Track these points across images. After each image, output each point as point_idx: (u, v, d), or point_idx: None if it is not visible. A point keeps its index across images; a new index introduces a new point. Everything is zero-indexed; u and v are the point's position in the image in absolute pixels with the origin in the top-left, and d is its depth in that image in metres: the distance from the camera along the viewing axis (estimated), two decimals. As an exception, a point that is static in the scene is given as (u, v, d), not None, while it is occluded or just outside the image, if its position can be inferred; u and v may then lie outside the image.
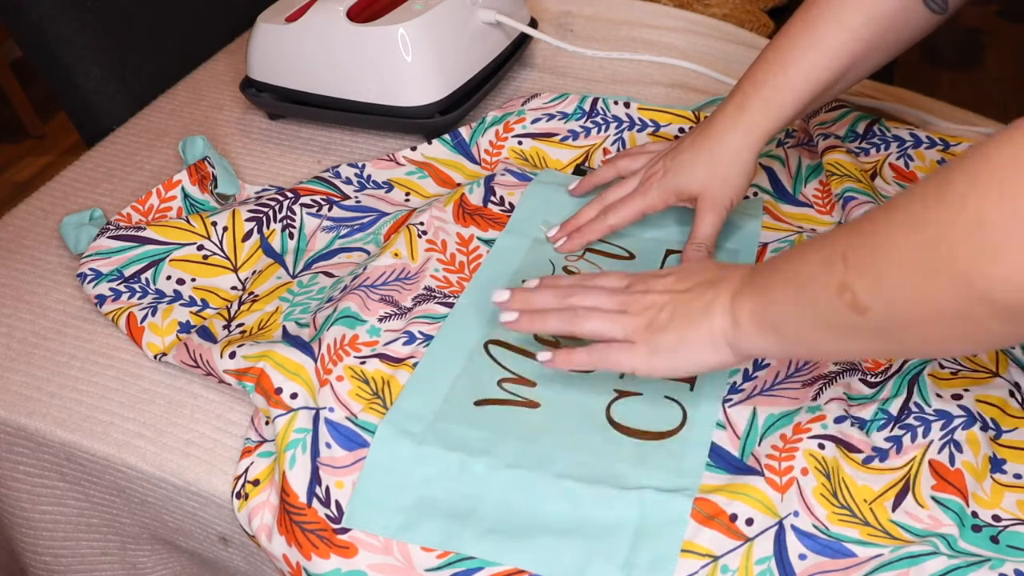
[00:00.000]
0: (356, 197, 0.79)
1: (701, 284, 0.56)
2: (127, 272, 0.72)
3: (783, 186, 0.78)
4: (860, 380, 0.60)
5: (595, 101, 0.86)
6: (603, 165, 0.76)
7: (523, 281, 0.64)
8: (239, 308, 0.70)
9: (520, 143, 0.84)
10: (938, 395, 0.58)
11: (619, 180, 0.73)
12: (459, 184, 0.81)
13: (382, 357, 0.64)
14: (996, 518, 0.53)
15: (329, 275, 0.72)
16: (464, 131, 0.85)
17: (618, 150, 0.83)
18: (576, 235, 0.72)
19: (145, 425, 0.65)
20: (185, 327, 0.69)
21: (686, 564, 0.52)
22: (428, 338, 0.65)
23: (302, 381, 0.61)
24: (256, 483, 0.59)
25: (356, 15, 0.84)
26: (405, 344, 0.65)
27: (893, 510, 0.54)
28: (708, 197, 0.68)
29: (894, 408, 0.57)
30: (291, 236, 0.76)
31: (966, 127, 0.82)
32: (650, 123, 0.84)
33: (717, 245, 0.72)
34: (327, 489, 0.57)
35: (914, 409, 0.57)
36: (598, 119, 0.85)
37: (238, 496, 0.59)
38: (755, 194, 0.77)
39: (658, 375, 0.56)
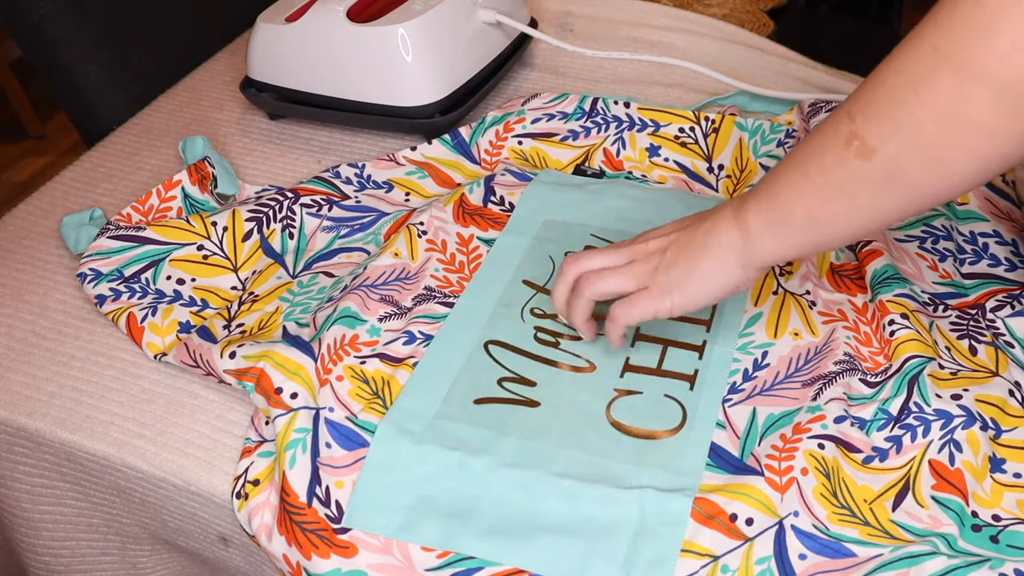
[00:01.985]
0: (356, 197, 0.79)
1: (699, 216, 0.58)
2: (127, 272, 0.72)
3: (783, 186, 0.78)
4: (860, 380, 0.60)
5: (595, 101, 0.86)
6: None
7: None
8: (239, 308, 0.70)
9: (520, 143, 0.84)
10: (938, 395, 0.58)
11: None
12: (459, 184, 0.81)
13: (382, 357, 0.64)
14: (996, 518, 0.53)
15: (329, 275, 0.72)
16: (464, 131, 0.85)
17: (618, 150, 0.83)
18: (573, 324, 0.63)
19: (145, 425, 0.65)
20: (185, 327, 0.69)
21: (686, 564, 0.52)
22: (428, 338, 0.65)
23: (302, 381, 0.61)
24: (256, 483, 0.59)
25: (356, 15, 0.84)
26: (405, 344, 0.65)
27: (893, 510, 0.54)
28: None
29: (894, 408, 0.57)
30: (291, 236, 0.76)
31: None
32: (650, 123, 0.84)
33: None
34: (327, 489, 0.57)
35: (914, 409, 0.57)
36: (598, 119, 0.85)
37: (238, 496, 0.59)
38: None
39: (680, 311, 0.57)
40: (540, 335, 0.66)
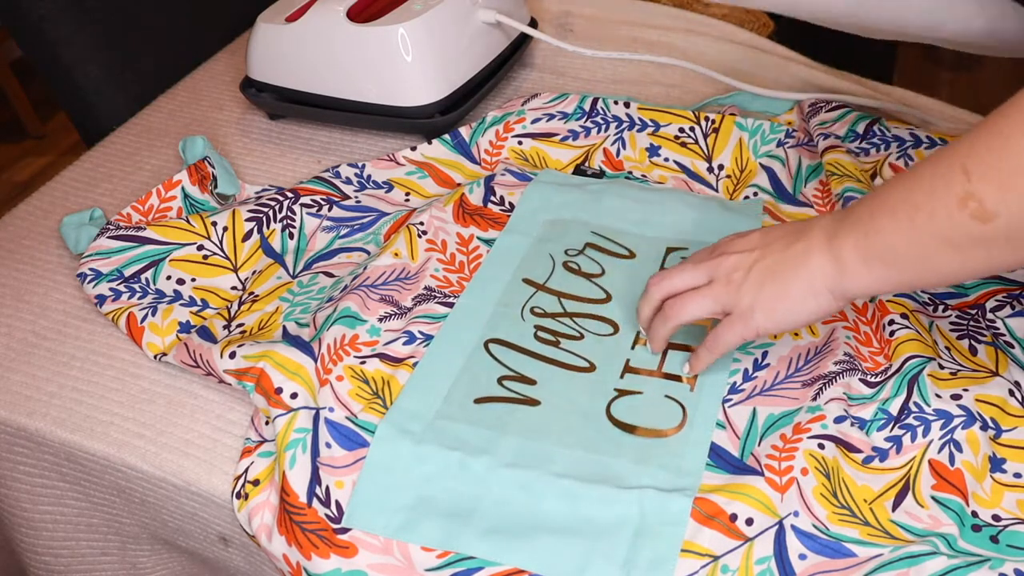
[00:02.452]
0: (356, 197, 0.79)
1: (787, 234, 0.55)
2: (127, 272, 0.72)
3: (783, 186, 0.78)
4: (860, 380, 0.60)
5: (595, 101, 0.86)
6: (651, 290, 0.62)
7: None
8: (239, 308, 0.70)
9: (520, 143, 0.84)
10: (937, 395, 0.58)
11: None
12: (459, 184, 0.81)
13: (382, 357, 0.64)
14: (996, 518, 0.53)
15: (329, 275, 0.72)
16: (464, 131, 0.85)
17: (618, 150, 0.83)
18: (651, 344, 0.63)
19: (145, 425, 0.65)
20: (185, 327, 0.69)
21: (686, 564, 0.52)
22: (428, 338, 0.65)
23: (302, 381, 0.61)
24: (256, 483, 0.59)
25: (356, 15, 0.84)
26: (405, 344, 0.65)
27: (893, 510, 0.54)
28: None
29: (894, 408, 0.57)
30: (291, 236, 0.76)
31: (966, 127, 0.82)
32: (650, 123, 0.84)
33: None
34: (327, 489, 0.57)
35: (914, 409, 0.57)
36: (598, 119, 0.85)
37: (238, 496, 0.59)
38: (755, 194, 0.77)
39: (764, 334, 0.56)
40: (540, 334, 0.66)
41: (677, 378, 0.62)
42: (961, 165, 0.46)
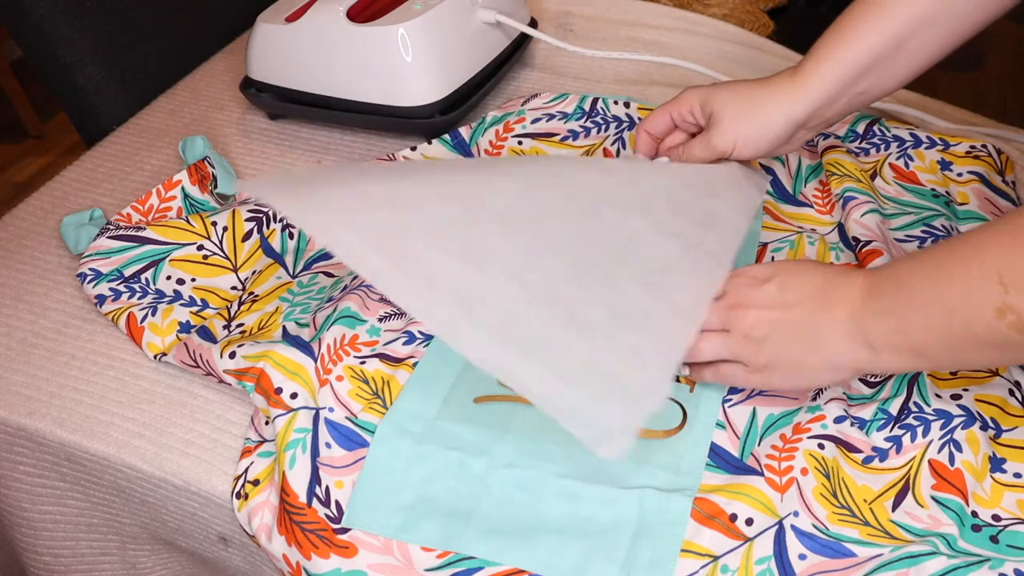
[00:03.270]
0: (356, 197, 0.79)
1: (808, 299, 0.54)
2: (127, 272, 0.72)
3: (783, 186, 0.78)
4: (860, 380, 0.60)
5: (595, 101, 0.86)
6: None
7: None
8: (239, 308, 0.70)
9: (520, 143, 0.84)
10: (937, 395, 0.58)
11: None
12: (459, 184, 0.81)
13: (382, 357, 0.64)
14: (996, 518, 0.53)
15: (329, 275, 0.72)
16: (464, 131, 0.85)
17: (618, 151, 0.83)
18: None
19: (145, 425, 0.65)
20: (185, 327, 0.69)
21: (686, 564, 0.52)
22: (428, 338, 0.65)
23: (302, 381, 0.61)
24: (256, 483, 0.59)
25: (356, 15, 0.84)
26: (405, 344, 0.65)
27: (893, 510, 0.54)
28: (728, 131, 0.66)
29: (894, 408, 0.57)
30: (291, 236, 0.76)
31: (966, 127, 0.82)
32: (650, 123, 0.84)
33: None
34: (327, 489, 0.57)
35: (914, 409, 0.57)
36: (598, 119, 0.85)
37: (238, 496, 0.59)
38: (755, 194, 0.77)
39: (776, 389, 0.58)
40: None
41: (676, 379, 0.62)
42: (998, 276, 0.45)
